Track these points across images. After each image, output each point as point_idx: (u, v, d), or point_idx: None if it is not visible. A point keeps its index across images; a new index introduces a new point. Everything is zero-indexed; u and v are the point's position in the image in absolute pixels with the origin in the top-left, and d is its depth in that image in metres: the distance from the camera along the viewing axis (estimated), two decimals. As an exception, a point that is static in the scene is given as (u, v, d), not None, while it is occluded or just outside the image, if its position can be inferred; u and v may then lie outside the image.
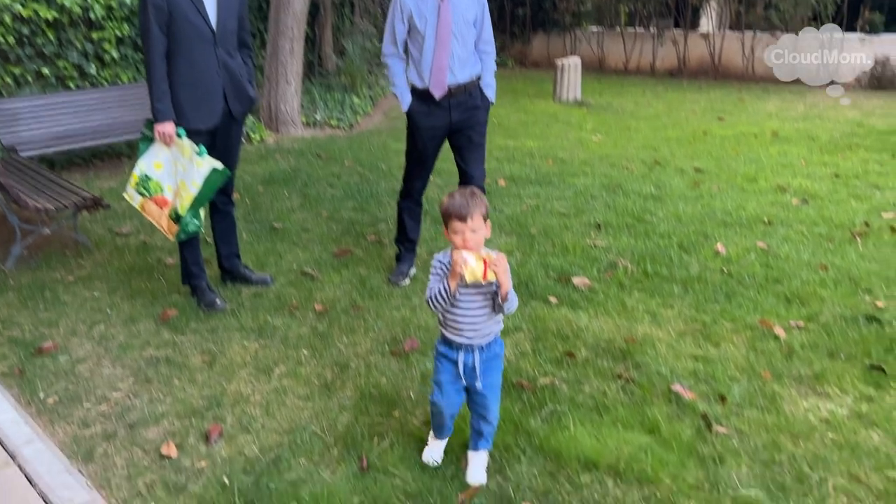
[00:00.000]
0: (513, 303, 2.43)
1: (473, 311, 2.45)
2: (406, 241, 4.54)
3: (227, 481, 2.63)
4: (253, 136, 8.74)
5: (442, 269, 2.45)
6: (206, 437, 2.90)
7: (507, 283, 2.36)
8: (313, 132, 9.48)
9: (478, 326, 2.46)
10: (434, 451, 2.70)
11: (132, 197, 3.92)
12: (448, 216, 2.37)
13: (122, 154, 7.89)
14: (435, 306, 2.45)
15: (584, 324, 3.82)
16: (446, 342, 2.54)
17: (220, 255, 4.42)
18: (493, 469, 2.68)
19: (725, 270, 4.50)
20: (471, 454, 2.67)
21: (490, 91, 4.21)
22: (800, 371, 3.33)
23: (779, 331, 3.69)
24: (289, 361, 3.48)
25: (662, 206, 5.90)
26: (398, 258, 4.57)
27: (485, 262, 2.31)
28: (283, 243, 5.06)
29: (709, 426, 2.91)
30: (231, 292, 4.24)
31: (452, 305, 2.44)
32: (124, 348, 3.61)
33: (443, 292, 2.40)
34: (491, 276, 2.32)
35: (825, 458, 2.71)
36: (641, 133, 9.37)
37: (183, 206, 3.79)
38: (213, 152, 3.99)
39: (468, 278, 2.30)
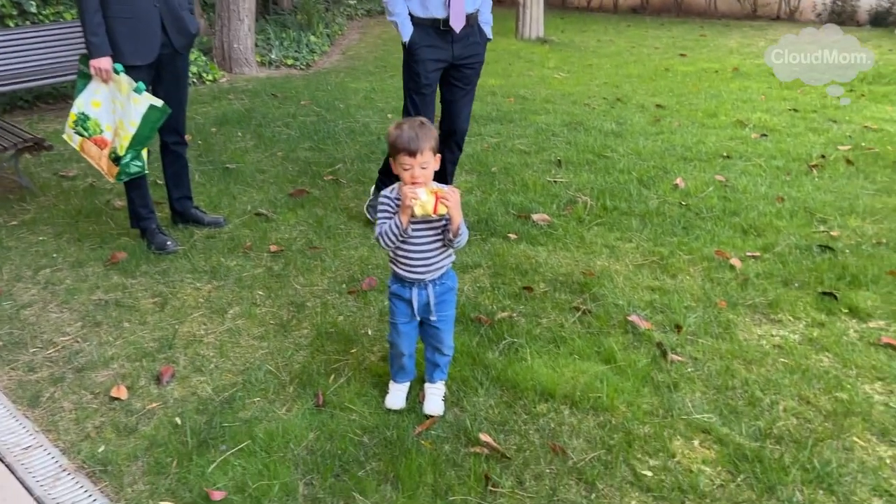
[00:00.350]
0: (463, 237, 2.37)
1: (424, 247, 2.39)
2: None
3: (179, 421, 2.59)
4: (205, 76, 8.44)
5: (391, 205, 2.38)
6: (158, 379, 2.83)
7: (458, 217, 2.29)
8: (268, 72, 9.20)
9: (429, 262, 2.41)
10: (396, 396, 2.66)
11: (71, 137, 3.77)
12: (396, 150, 2.28)
13: (68, 96, 7.56)
14: (386, 243, 2.38)
15: (543, 259, 3.80)
16: (398, 279, 2.49)
17: (171, 197, 4.29)
18: (451, 401, 2.67)
19: (684, 204, 4.50)
20: (427, 386, 2.65)
21: (487, 28, 3.94)
22: (754, 299, 3.36)
23: (735, 261, 3.72)
24: (243, 302, 3.41)
25: (623, 143, 5.86)
26: (377, 187, 4.30)
27: (436, 196, 2.25)
28: (237, 185, 4.92)
29: (664, 354, 2.93)
30: (183, 234, 4.13)
31: (403, 241, 2.38)
32: (72, 292, 3.50)
33: (394, 228, 2.33)
34: (442, 210, 2.25)
35: (777, 382, 2.76)
36: (604, 70, 9.27)
37: (122, 146, 3.63)
38: (159, 89, 3.82)
39: (418, 212, 2.24)
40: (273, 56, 9.60)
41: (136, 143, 3.63)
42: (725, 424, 2.52)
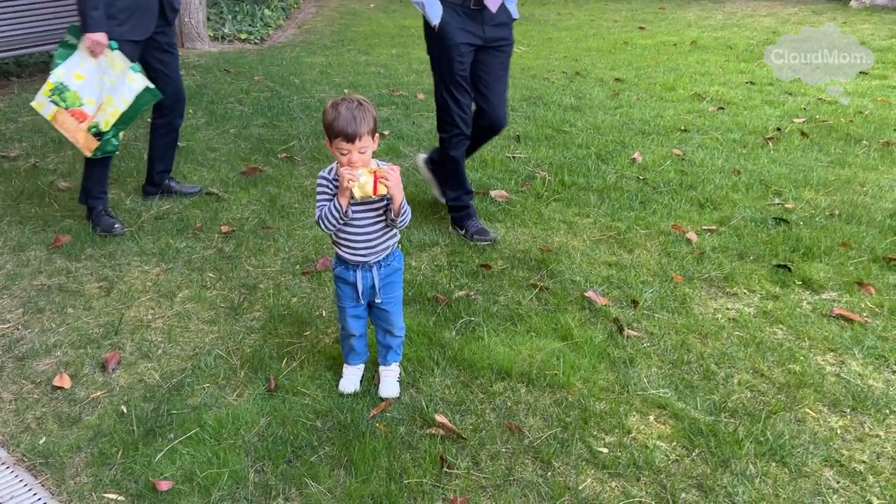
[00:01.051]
0: (406, 216, 2.30)
1: (366, 228, 2.32)
2: (465, 192, 3.81)
3: (125, 410, 2.50)
4: (155, 51, 8.18)
5: (329, 187, 2.30)
6: (103, 366, 2.74)
7: (400, 196, 2.22)
8: (221, 47, 8.95)
9: (372, 243, 2.35)
10: (349, 380, 2.59)
11: (43, 105, 3.58)
12: (333, 133, 2.17)
13: (11, 73, 7.27)
14: (326, 227, 2.30)
15: (501, 235, 3.76)
16: (342, 262, 2.42)
17: (152, 170, 4.21)
18: (406, 382, 2.63)
19: (641, 178, 4.50)
20: (382, 369, 2.60)
21: (513, 6, 3.53)
22: (710, 273, 3.37)
23: (691, 235, 3.72)
24: (193, 285, 3.31)
25: (582, 117, 5.83)
26: (458, 220, 3.81)
27: (374, 176, 2.17)
28: (188, 163, 4.78)
29: (620, 330, 2.92)
30: (130, 216, 3.99)
31: (344, 224, 2.31)
32: (13, 277, 3.36)
33: (333, 212, 2.26)
34: (382, 191, 2.18)
35: (731, 355, 2.77)
36: (563, 44, 9.21)
37: (107, 121, 3.57)
38: (153, 63, 3.84)
39: (357, 194, 2.16)
40: (226, 30, 9.33)
41: (122, 121, 3.59)
42: (681, 399, 2.53)
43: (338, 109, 2.15)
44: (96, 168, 3.81)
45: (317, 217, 2.31)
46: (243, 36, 9.34)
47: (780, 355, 2.77)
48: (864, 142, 5.18)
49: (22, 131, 5.46)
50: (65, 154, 4.93)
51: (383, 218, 2.31)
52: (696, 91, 6.62)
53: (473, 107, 3.64)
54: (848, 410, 2.47)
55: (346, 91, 6.62)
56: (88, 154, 3.65)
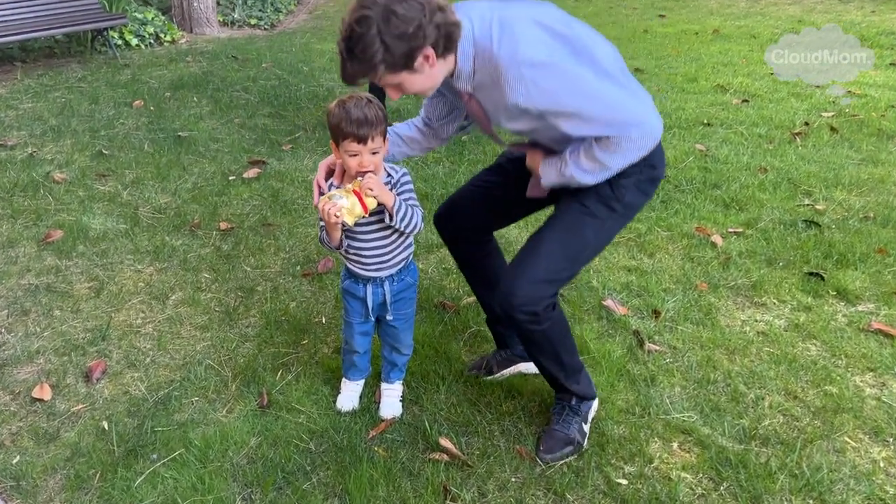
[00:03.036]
0: (413, 217, 2.05)
1: (375, 242, 2.11)
2: None
3: (106, 426, 2.33)
4: (163, 36, 8.00)
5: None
6: (87, 376, 2.57)
7: (390, 199, 1.98)
8: (230, 32, 8.76)
9: (385, 257, 2.14)
10: (348, 397, 2.41)
11: None
12: (340, 134, 1.93)
13: (14, 58, 7.12)
14: (331, 250, 2.12)
15: (515, 236, 3.56)
16: (351, 275, 2.21)
17: None
18: (409, 399, 2.44)
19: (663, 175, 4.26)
20: (384, 387, 2.41)
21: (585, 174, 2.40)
22: (737, 281, 3.15)
23: (716, 238, 3.50)
24: (187, 287, 3.13)
25: (600, 108, 5.59)
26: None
27: (357, 194, 1.94)
28: (189, 154, 4.60)
29: (641, 344, 2.72)
30: (126, 209, 3.82)
31: (350, 238, 2.11)
32: (0, 276, 3.21)
33: (328, 243, 2.07)
34: (372, 204, 1.95)
35: (761, 374, 2.55)
36: (580, 32, 8.94)
37: None
38: None
39: (349, 221, 1.93)
40: (236, 15, 9.14)
41: None
42: (707, 424, 2.32)
43: (345, 108, 1.91)
44: None
45: (319, 239, 2.12)
46: (253, 21, 9.14)
47: (815, 375, 2.55)
48: (898, 138, 4.92)
49: (22, 119, 5.30)
50: (63, 143, 4.76)
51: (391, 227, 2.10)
52: (719, 82, 6.36)
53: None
54: (891, 440, 2.26)
55: (355, 79, 6.41)
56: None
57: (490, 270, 2.43)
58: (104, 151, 4.61)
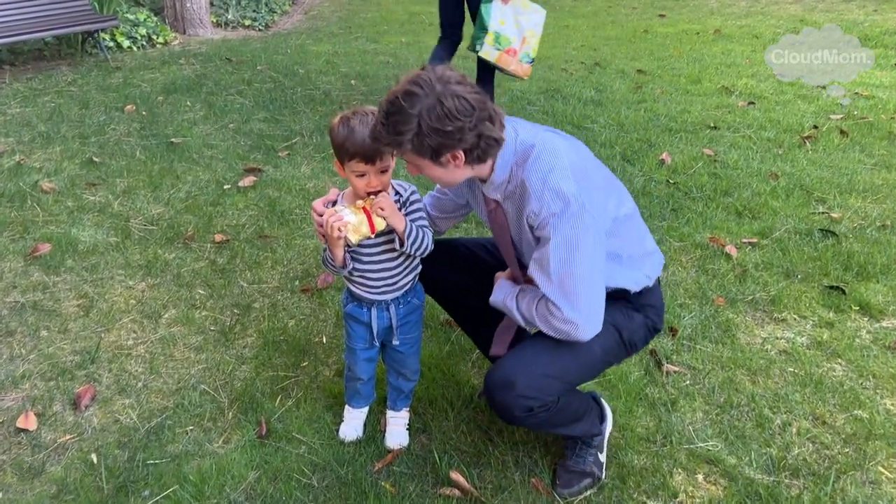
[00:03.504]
0: (424, 240, 1.93)
1: (382, 264, 1.98)
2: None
3: (95, 459, 2.19)
4: (155, 38, 7.84)
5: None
6: (75, 403, 2.43)
7: (401, 224, 1.86)
8: (224, 33, 8.60)
9: (392, 280, 2.01)
10: (351, 425, 2.27)
11: (489, 53, 4.59)
12: (346, 154, 1.80)
13: (3, 61, 6.95)
14: (334, 272, 1.99)
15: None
16: (354, 298, 2.08)
17: None
18: (416, 427, 2.31)
19: (672, 182, 4.14)
20: (390, 415, 2.27)
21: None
22: (755, 295, 3.02)
23: (730, 249, 3.37)
24: (180, 304, 2.99)
25: (604, 112, 5.46)
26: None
27: (366, 212, 1.82)
28: (182, 161, 4.45)
29: (659, 365, 2.59)
30: (118, 220, 3.67)
31: (355, 260, 1.97)
32: (-17, 294, 3.06)
33: (330, 262, 1.93)
34: (381, 225, 1.83)
35: (786, 397, 2.43)
36: (580, 32, 8.81)
37: (535, 48, 4.68)
38: None
39: (353, 239, 1.81)
40: (230, 16, 8.98)
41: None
42: (733, 453, 2.19)
43: (349, 125, 1.78)
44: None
45: (322, 258, 1.98)
46: (247, 22, 8.99)
47: (842, 398, 2.43)
48: (910, 141, 4.80)
49: (10, 124, 5.15)
50: (52, 151, 4.61)
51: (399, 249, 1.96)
52: (724, 84, 6.23)
53: None
54: (928, 469, 2.14)
55: (352, 83, 6.27)
56: (525, 77, 4.78)
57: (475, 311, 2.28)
58: (94, 159, 4.46)
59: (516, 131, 1.79)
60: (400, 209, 1.91)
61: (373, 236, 1.85)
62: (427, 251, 1.94)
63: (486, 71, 5.15)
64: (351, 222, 1.78)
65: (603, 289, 1.80)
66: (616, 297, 1.93)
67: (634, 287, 1.93)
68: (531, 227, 1.79)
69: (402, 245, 1.88)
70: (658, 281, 2.02)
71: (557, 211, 1.69)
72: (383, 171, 1.82)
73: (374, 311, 2.04)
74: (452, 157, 1.70)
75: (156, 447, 2.24)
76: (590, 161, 1.85)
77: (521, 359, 1.82)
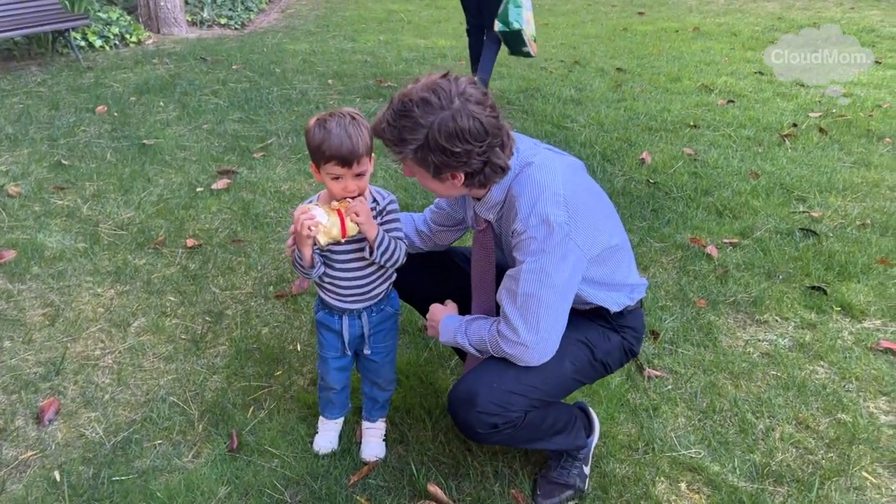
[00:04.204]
0: (396, 252, 1.86)
1: (353, 272, 1.91)
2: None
3: (58, 477, 2.10)
4: (128, 37, 7.70)
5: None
6: (38, 417, 2.34)
7: (374, 231, 1.80)
8: (199, 32, 8.46)
9: (364, 289, 1.94)
10: (326, 437, 2.19)
11: (531, 44, 5.08)
12: (322, 157, 1.73)
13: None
14: (304, 274, 1.91)
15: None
16: (326, 306, 2.01)
17: None
18: (393, 438, 2.24)
19: (652, 182, 4.10)
20: (365, 426, 2.21)
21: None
22: (736, 296, 2.99)
23: (711, 250, 3.34)
24: (150, 312, 2.90)
25: (583, 111, 5.43)
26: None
27: (340, 214, 1.75)
28: (154, 164, 4.34)
29: (640, 369, 2.54)
30: (86, 225, 3.56)
31: (326, 266, 1.91)
32: (-56, 303, 2.95)
33: (298, 261, 1.86)
34: (352, 230, 1.77)
35: (769, 401, 2.39)
36: (560, 30, 8.78)
37: (534, 27, 5.17)
38: None
39: (322, 241, 1.75)
40: (205, 14, 8.84)
41: None
42: (716, 460, 2.15)
43: (326, 128, 1.71)
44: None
45: (292, 259, 1.91)
46: (223, 21, 8.86)
47: (825, 401, 2.39)
48: (888, 139, 4.81)
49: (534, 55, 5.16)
50: (20, 153, 4.49)
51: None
52: (703, 82, 6.22)
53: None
54: (912, 474, 2.11)
55: (329, 82, 6.18)
56: (535, 55, 5.27)
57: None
58: (63, 162, 4.35)
59: (517, 150, 1.72)
60: (375, 217, 1.84)
61: (343, 241, 1.78)
62: (398, 263, 1.88)
63: (493, 48, 5.39)
64: (322, 223, 1.72)
65: (565, 320, 1.73)
66: (595, 316, 1.88)
67: (615, 307, 1.87)
68: (513, 245, 1.72)
69: (371, 253, 1.82)
70: (641, 305, 1.96)
71: (539, 237, 1.63)
72: (360, 175, 1.76)
73: (345, 320, 1.97)
74: (452, 177, 1.64)
75: (122, 463, 2.15)
76: (585, 185, 1.77)
77: (485, 374, 1.75)
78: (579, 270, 1.70)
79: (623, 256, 1.85)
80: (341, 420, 2.24)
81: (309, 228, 1.71)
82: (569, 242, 1.63)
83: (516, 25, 5.06)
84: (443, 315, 1.91)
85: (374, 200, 1.88)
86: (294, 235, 1.80)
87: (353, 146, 1.70)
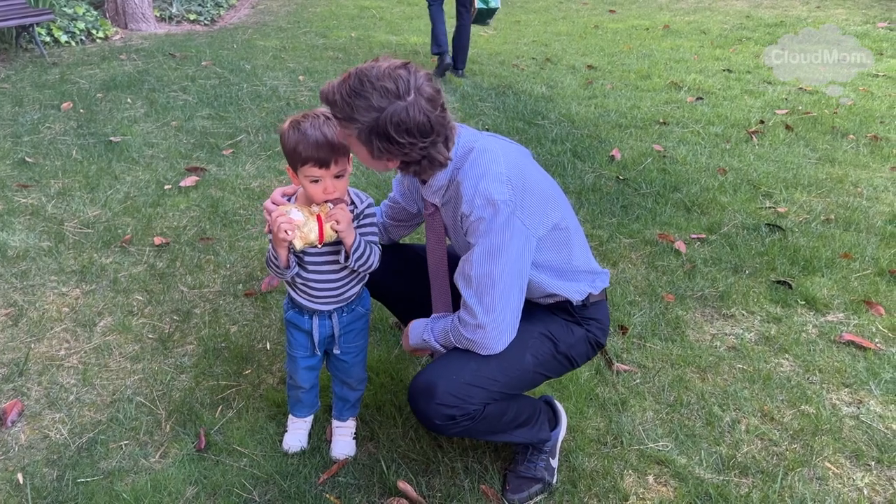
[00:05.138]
0: (371, 258, 1.86)
1: (326, 275, 1.90)
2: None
3: (21, 479, 2.07)
4: (95, 33, 7.57)
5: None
6: (1, 419, 2.29)
7: (351, 238, 1.80)
8: (168, 28, 8.35)
9: (336, 291, 1.93)
10: (295, 436, 2.18)
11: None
12: (298, 159, 1.71)
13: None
14: (277, 274, 1.89)
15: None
16: (295, 305, 1.99)
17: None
18: (363, 435, 2.24)
19: (622, 178, 4.14)
20: (335, 425, 2.20)
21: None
22: (704, 291, 3.03)
23: (679, 245, 3.38)
24: (117, 311, 2.86)
25: (555, 108, 5.45)
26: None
27: (319, 220, 1.74)
28: (121, 161, 4.28)
29: (609, 363, 2.56)
30: (51, 224, 3.50)
31: (299, 267, 1.89)
32: None
33: (273, 262, 1.84)
34: (330, 236, 1.75)
35: (735, 394, 2.42)
36: (532, 28, 8.81)
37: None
38: None
39: (298, 246, 1.73)
40: (173, 10, 8.73)
41: None
42: (683, 453, 2.17)
43: (300, 129, 1.69)
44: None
45: (266, 259, 1.89)
46: (192, 17, 8.75)
47: (790, 393, 2.44)
48: (851, 136, 4.90)
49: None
50: (-18, 151, 4.39)
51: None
52: (673, 80, 6.29)
53: None
54: (873, 463, 2.15)
55: (300, 78, 6.14)
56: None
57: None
58: (27, 159, 4.27)
59: (459, 136, 1.73)
60: (353, 221, 1.83)
61: (319, 246, 1.77)
62: (372, 268, 1.88)
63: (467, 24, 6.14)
64: (300, 226, 1.70)
65: (520, 300, 1.75)
66: (558, 310, 1.90)
67: (577, 296, 1.88)
68: (465, 231, 1.74)
69: (347, 259, 1.81)
70: (605, 295, 1.98)
71: (486, 216, 1.65)
72: (339, 177, 1.74)
73: (315, 320, 1.96)
74: (388, 160, 1.64)
75: (87, 464, 2.12)
76: (531, 168, 1.79)
77: (446, 366, 1.77)
78: (529, 249, 1.72)
79: (575, 240, 1.86)
80: (310, 419, 2.23)
81: (286, 232, 1.69)
82: (515, 220, 1.65)
83: (494, 4, 5.98)
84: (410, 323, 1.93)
85: (353, 203, 1.87)
86: (271, 236, 1.78)
87: (330, 146, 1.69)
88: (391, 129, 1.54)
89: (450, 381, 1.72)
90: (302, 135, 1.69)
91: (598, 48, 7.61)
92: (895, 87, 6.02)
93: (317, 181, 1.74)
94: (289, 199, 1.88)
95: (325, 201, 1.78)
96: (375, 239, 1.90)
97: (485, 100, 5.65)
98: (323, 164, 1.70)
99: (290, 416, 2.21)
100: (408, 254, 2.20)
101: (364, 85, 1.54)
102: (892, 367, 2.55)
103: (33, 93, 5.58)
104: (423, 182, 1.78)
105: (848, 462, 2.16)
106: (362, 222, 1.87)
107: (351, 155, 1.78)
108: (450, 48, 6.20)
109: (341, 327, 1.98)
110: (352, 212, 1.84)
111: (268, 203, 1.88)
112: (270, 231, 1.80)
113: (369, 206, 1.90)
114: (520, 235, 1.67)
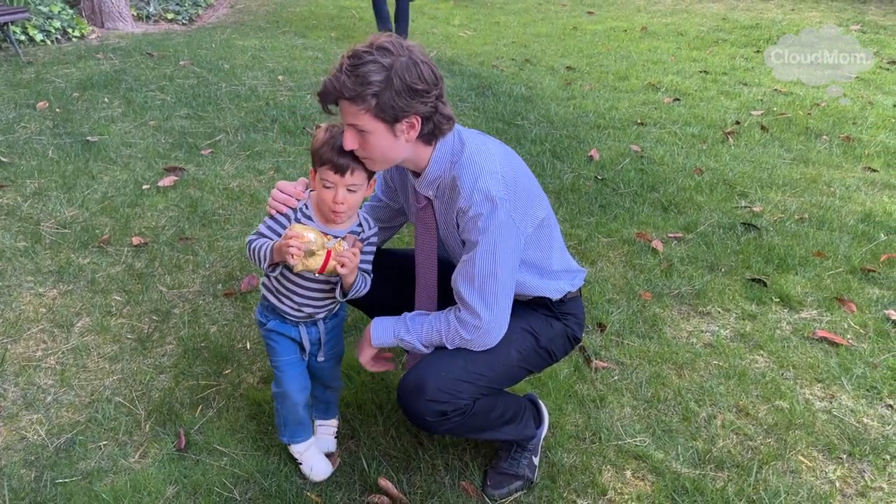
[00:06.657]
0: (363, 288, 1.88)
1: (312, 293, 1.90)
2: None
3: (-2, 481, 2.05)
4: (71, 31, 7.49)
5: (288, 217, 1.84)
6: (-23, 421, 2.27)
7: (352, 279, 1.82)
8: (145, 27, 8.28)
9: (322, 301, 1.93)
10: (319, 462, 2.07)
11: None
12: (319, 159, 1.73)
13: None
14: (254, 262, 1.87)
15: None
16: (277, 315, 1.97)
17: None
18: (345, 434, 2.25)
19: (600, 178, 4.18)
20: (318, 422, 2.20)
21: None
22: (680, 289, 3.07)
23: (657, 244, 3.42)
24: (95, 312, 2.84)
25: (534, 109, 5.49)
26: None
27: (328, 254, 1.74)
28: (99, 161, 4.25)
29: (588, 360, 2.59)
30: (27, 224, 3.47)
31: (284, 277, 1.89)
32: None
33: (264, 252, 1.81)
34: (331, 271, 1.76)
35: (711, 390, 2.46)
36: (511, 28, 8.85)
37: None
38: None
39: (297, 268, 1.73)
40: (151, 9, 8.66)
41: None
42: (660, 448, 2.21)
43: (332, 132, 1.73)
44: None
45: (250, 241, 1.85)
46: (170, 16, 8.68)
47: (765, 389, 2.48)
48: (825, 136, 4.98)
49: None
50: (-45, 150, 4.33)
51: (335, 288, 1.88)
52: (650, 81, 6.35)
53: None
54: (845, 456, 2.20)
55: (279, 78, 6.12)
56: None
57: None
58: (2, 159, 4.22)
59: (457, 134, 1.77)
60: (353, 245, 1.84)
61: (317, 275, 1.79)
62: (359, 295, 1.89)
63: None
64: (308, 253, 1.69)
65: (512, 298, 1.79)
66: (537, 305, 1.93)
67: (556, 295, 1.92)
68: (458, 226, 1.75)
69: (342, 295, 1.85)
70: (580, 293, 2.01)
71: (484, 212, 1.67)
72: (351, 190, 1.75)
73: (302, 329, 1.96)
74: (410, 126, 1.65)
75: (66, 465, 2.11)
76: (520, 168, 1.82)
77: (434, 363, 1.79)
78: (519, 247, 1.75)
79: (556, 239, 1.90)
80: (314, 439, 2.14)
81: (293, 256, 1.68)
82: (510, 219, 1.69)
83: None
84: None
85: (360, 225, 1.88)
86: (277, 246, 1.76)
87: (352, 155, 1.70)
88: (407, 77, 1.58)
89: (439, 377, 1.74)
90: (330, 137, 1.73)
91: (577, 49, 7.66)
92: (867, 89, 6.13)
93: (330, 188, 1.75)
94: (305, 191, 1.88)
95: (342, 237, 1.79)
96: (370, 267, 1.91)
97: (464, 100, 5.67)
98: (339, 169, 1.72)
99: (293, 447, 2.07)
100: (387, 259, 2.19)
101: (362, 56, 1.58)
102: (864, 363, 2.61)
103: (8, 92, 5.51)
104: (417, 175, 1.80)
105: (820, 455, 2.20)
106: (363, 248, 1.88)
107: (374, 180, 1.81)
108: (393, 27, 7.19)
109: (326, 332, 1.99)
110: (357, 234, 1.86)
111: (289, 199, 1.85)
112: (271, 217, 1.83)
113: (374, 234, 1.92)
114: (514, 234, 1.70)
